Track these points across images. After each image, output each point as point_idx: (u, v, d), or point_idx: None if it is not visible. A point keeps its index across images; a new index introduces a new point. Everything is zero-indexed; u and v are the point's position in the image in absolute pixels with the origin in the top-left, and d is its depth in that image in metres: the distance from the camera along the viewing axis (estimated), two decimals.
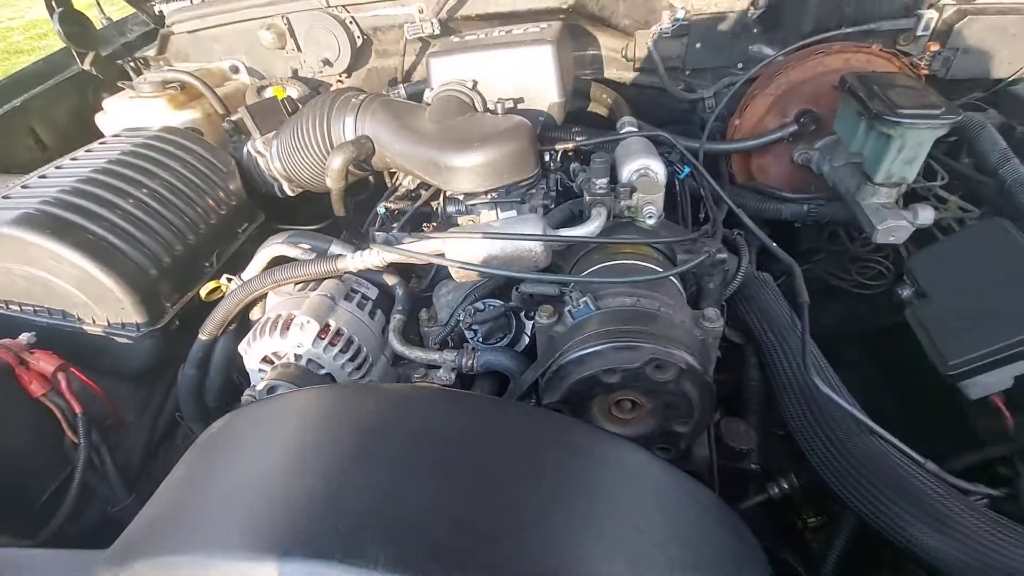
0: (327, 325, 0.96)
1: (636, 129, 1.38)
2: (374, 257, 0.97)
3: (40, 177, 1.18)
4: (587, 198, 0.98)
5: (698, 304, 0.95)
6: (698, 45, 1.47)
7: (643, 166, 1.05)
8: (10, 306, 1.13)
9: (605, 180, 0.95)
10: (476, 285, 1.00)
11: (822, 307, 1.52)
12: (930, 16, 1.34)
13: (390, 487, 0.55)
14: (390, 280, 1.10)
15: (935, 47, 1.35)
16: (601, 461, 0.64)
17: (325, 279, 1.04)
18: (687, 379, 0.71)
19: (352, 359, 0.97)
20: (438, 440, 0.62)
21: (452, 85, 1.28)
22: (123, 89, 1.59)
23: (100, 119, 1.60)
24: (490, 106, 1.27)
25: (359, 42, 1.65)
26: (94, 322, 1.12)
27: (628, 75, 1.68)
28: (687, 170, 1.44)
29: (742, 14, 1.42)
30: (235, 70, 1.78)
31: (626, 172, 1.07)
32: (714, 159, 1.52)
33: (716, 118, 1.50)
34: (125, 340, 1.12)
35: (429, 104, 1.27)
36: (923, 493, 0.75)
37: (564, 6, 1.52)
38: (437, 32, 1.58)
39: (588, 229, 0.91)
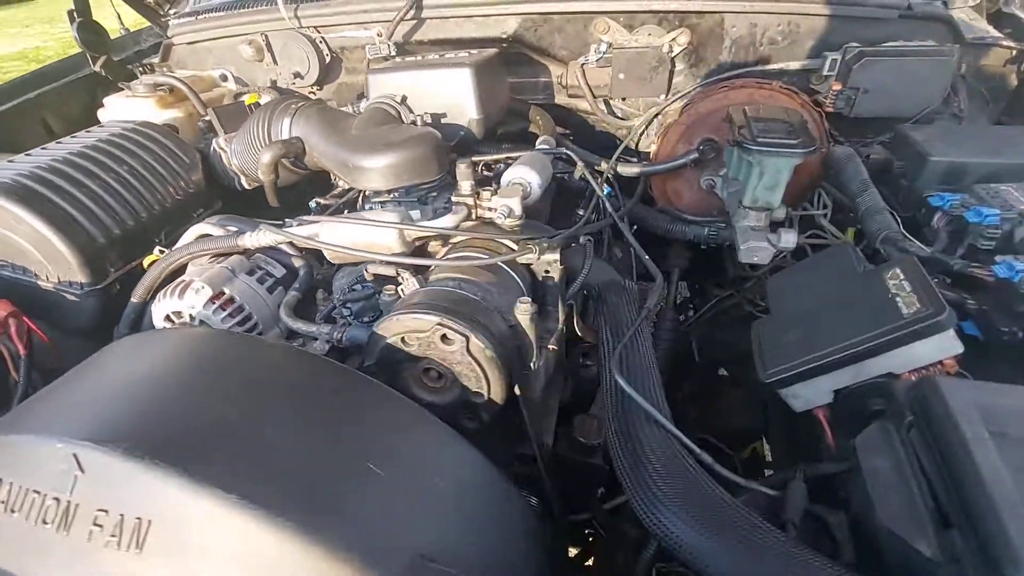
0: (221, 292, 1.11)
1: (551, 147, 1.52)
2: (265, 237, 1.12)
3: (26, 155, 1.39)
4: (453, 198, 1.11)
5: (543, 300, 1.05)
6: (621, 76, 1.60)
7: (518, 176, 1.18)
8: None
9: (468, 184, 1.08)
10: (357, 268, 1.14)
11: (742, 335, 1.58)
12: (833, 57, 1.43)
13: (196, 409, 0.66)
14: (296, 262, 1.25)
15: (837, 86, 1.44)
16: (376, 410, 0.75)
17: (232, 254, 1.20)
18: (473, 352, 0.82)
19: (240, 324, 1.11)
20: (251, 379, 0.74)
21: (383, 98, 1.45)
22: (123, 89, 1.83)
23: (101, 114, 1.84)
24: (415, 119, 1.43)
25: (328, 59, 1.85)
26: (47, 279, 1.30)
27: (574, 102, 1.82)
28: (608, 190, 1.56)
29: (660, 50, 1.54)
30: (224, 78, 2.01)
31: (504, 180, 1.19)
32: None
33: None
34: (72, 297, 1.30)
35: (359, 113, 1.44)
36: (691, 484, 0.79)
37: (504, 35, 1.68)
38: (393, 54, 1.76)
39: (440, 223, 1.04)
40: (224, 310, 1.10)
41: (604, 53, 1.60)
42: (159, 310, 1.13)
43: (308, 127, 1.40)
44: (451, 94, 1.44)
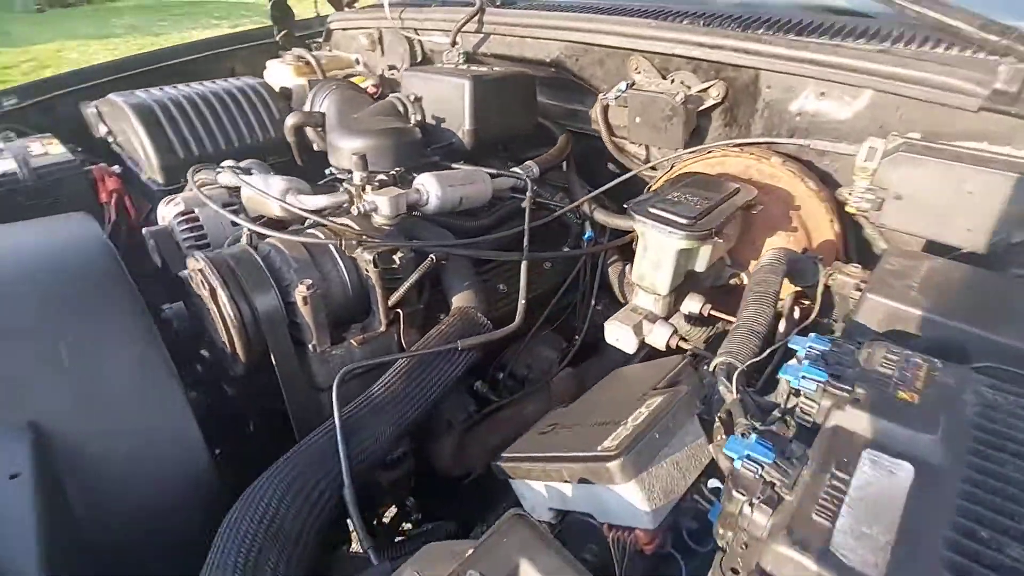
0: (191, 211, 1.41)
1: (535, 171, 1.50)
2: (223, 178, 1.38)
3: (172, 87, 1.93)
4: (345, 185, 1.21)
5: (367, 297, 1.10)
6: (637, 119, 1.47)
7: (420, 182, 1.23)
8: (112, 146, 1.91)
9: (359, 175, 1.16)
10: None
11: None
12: (872, 146, 1.10)
13: None
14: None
15: (865, 181, 1.10)
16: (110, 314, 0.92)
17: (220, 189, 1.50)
18: (219, 304, 0.93)
19: (196, 239, 1.40)
20: None
21: (400, 95, 1.61)
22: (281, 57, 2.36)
23: (264, 73, 2.40)
24: (414, 118, 1.56)
25: (419, 58, 2.09)
26: (143, 173, 1.80)
27: (619, 140, 1.73)
28: (590, 233, 1.49)
29: (674, 98, 1.38)
30: (358, 62, 2.41)
31: (414, 183, 1.25)
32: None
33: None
34: (153, 187, 1.78)
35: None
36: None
37: (547, 60, 1.69)
38: (462, 62, 1.91)
39: (311, 201, 1.16)
40: (186, 224, 1.40)
41: (623, 92, 1.49)
42: (160, 213, 1.49)
43: (329, 104, 1.64)
44: (451, 103, 1.53)
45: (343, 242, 1.01)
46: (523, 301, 1.17)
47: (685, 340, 1.02)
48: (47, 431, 0.77)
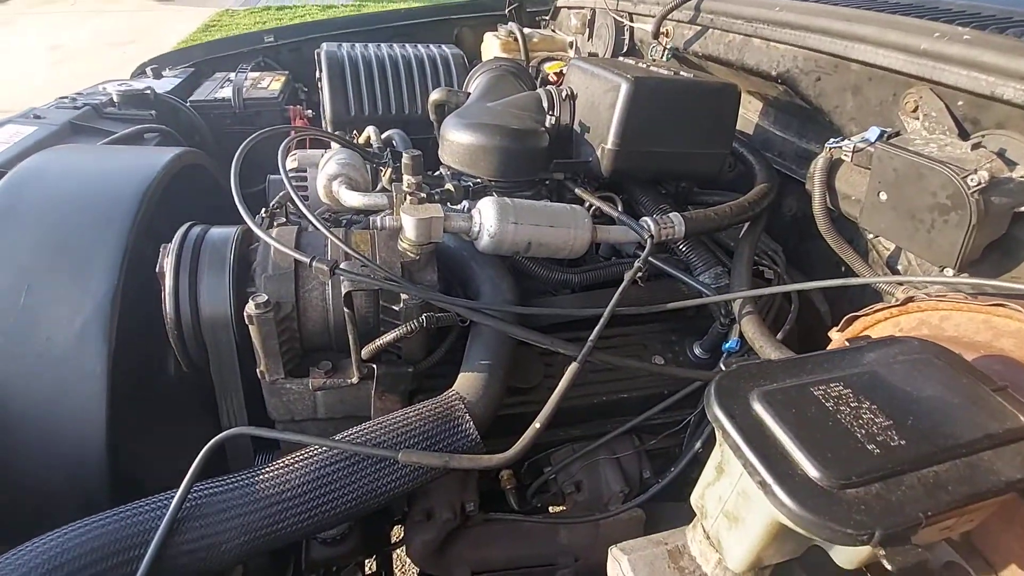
0: (303, 168, 1.36)
1: (676, 229, 1.02)
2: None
3: (376, 46, 1.93)
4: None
5: None
6: (882, 196, 0.86)
7: (478, 205, 0.90)
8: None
9: (411, 179, 0.89)
10: None
11: None
12: None
13: None
14: None
15: None
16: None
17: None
18: None
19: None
20: None
21: (552, 88, 1.28)
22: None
23: (482, 45, 2.30)
24: (551, 119, 1.22)
25: (624, 47, 1.70)
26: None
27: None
28: (732, 343, 1.01)
29: (964, 180, 0.74)
30: (571, 45, 2.12)
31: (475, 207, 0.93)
32: None
33: None
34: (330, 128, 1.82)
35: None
36: None
37: (772, 72, 1.14)
38: (666, 59, 1.46)
39: (344, 195, 0.93)
40: (295, 180, 1.35)
41: (870, 144, 0.88)
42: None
43: (476, 86, 1.40)
44: (600, 109, 1.14)
45: (314, 261, 0.76)
46: (537, 426, 0.76)
47: None
48: None
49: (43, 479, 0.76)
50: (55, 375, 0.77)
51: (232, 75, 2.09)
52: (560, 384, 0.80)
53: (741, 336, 0.99)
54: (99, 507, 0.68)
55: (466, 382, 0.83)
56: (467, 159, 1.15)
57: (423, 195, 0.87)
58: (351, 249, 0.82)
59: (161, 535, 0.60)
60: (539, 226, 0.90)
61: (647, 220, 1.00)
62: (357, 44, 1.89)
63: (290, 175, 1.34)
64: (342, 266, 0.78)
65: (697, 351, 1.10)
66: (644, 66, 1.20)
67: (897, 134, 0.88)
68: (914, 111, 0.88)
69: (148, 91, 1.71)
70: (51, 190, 0.90)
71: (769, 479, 0.41)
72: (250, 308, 0.76)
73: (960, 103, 0.83)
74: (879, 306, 0.75)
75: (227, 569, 0.66)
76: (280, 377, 0.83)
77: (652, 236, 0.97)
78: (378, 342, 0.80)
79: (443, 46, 1.97)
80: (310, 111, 1.97)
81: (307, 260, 0.77)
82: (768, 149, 1.34)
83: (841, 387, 0.48)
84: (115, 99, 1.66)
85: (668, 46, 1.44)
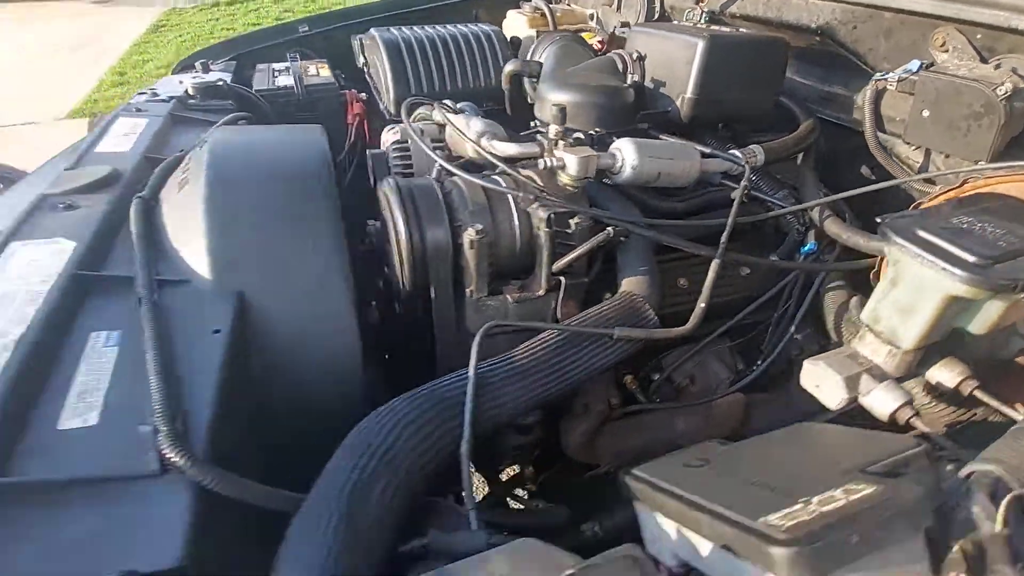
0: (405, 141, 1.52)
1: (759, 158, 1.26)
2: (436, 115, 1.43)
3: (420, 28, 2.07)
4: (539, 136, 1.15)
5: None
6: (925, 113, 1.12)
7: (617, 145, 1.11)
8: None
9: (555, 128, 1.09)
10: None
11: None
12: None
13: None
14: None
15: None
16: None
17: None
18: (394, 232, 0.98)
19: (405, 167, 1.50)
20: None
21: (623, 51, 1.49)
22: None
23: (504, 22, 2.46)
24: (632, 78, 1.43)
25: (655, 15, 1.91)
26: (380, 99, 2.00)
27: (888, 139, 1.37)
28: (811, 245, 1.25)
29: (995, 91, 1.00)
30: (592, 17, 2.32)
31: (611, 147, 1.14)
32: None
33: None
34: (388, 119, 1.97)
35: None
36: None
37: (812, 25, 1.39)
38: (703, 23, 1.68)
39: (499, 147, 1.12)
40: (398, 152, 1.51)
41: (911, 73, 1.14)
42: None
43: (548, 55, 1.59)
44: (676, 66, 1.35)
45: (522, 194, 0.96)
46: (703, 305, 1.00)
47: (919, 416, 0.74)
48: (247, 301, 0.89)
49: (319, 393, 0.92)
50: (311, 312, 0.93)
51: (275, 65, 2.19)
52: (707, 279, 1.03)
53: (816, 241, 1.24)
54: (359, 419, 0.85)
55: (633, 285, 1.05)
56: (569, 115, 1.34)
57: (577, 138, 1.07)
58: (538, 188, 1.02)
59: (471, 401, 0.80)
60: (665, 159, 1.12)
61: (735, 151, 1.23)
62: (403, 28, 2.04)
63: (392, 146, 1.52)
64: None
65: (774, 259, 1.36)
66: (700, 28, 1.42)
67: (932, 64, 1.14)
68: (942, 46, 1.14)
69: (221, 82, 1.81)
70: (253, 162, 1.06)
71: (947, 266, 0.65)
72: (470, 234, 0.95)
73: (979, 36, 1.09)
74: (940, 189, 1.01)
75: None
76: (484, 295, 1.03)
77: (745, 164, 1.20)
78: (569, 256, 1.00)
79: (477, 24, 2.13)
80: (364, 94, 2.10)
81: (511, 192, 0.96)
82: (794, 96, 1.60)
83: (967, 216, 0.73)
84: (190, 91, 1.76)
85: (705, 9, 1.67)
